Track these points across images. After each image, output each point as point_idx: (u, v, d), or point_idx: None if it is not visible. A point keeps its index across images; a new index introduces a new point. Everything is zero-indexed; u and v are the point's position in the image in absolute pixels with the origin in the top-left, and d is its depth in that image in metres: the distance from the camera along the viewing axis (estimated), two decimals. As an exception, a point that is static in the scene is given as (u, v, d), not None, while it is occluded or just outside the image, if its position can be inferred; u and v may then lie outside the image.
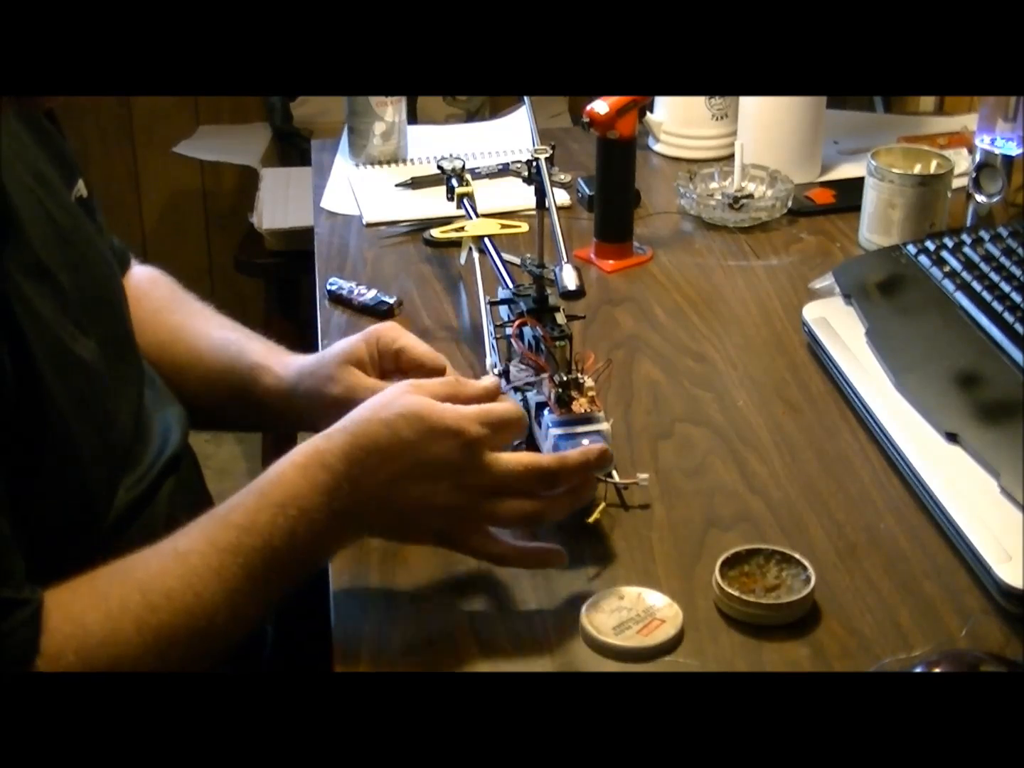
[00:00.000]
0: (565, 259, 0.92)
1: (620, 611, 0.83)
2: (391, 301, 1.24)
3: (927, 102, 2.00)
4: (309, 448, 0.83)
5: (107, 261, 1.03)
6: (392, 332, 1.00)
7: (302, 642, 1.11)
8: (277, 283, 2.43)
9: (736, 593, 0.84)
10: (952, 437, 0.97)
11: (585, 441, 0.88)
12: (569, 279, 0.91)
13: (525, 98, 1.15)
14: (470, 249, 1.22)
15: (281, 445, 0.97)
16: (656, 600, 0.84)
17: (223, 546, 0.81)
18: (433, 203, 1.40)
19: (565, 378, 0.92)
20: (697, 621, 0.84)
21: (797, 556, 0.87)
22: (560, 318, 0.97)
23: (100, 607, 0.79)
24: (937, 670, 0.74)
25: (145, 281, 1.17)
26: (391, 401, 0.84)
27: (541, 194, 0.98)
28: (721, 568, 0.86)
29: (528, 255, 0.99)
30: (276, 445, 2.25)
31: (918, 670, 0.75)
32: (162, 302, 1.15)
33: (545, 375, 0.93)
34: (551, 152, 0.99)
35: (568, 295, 0.91)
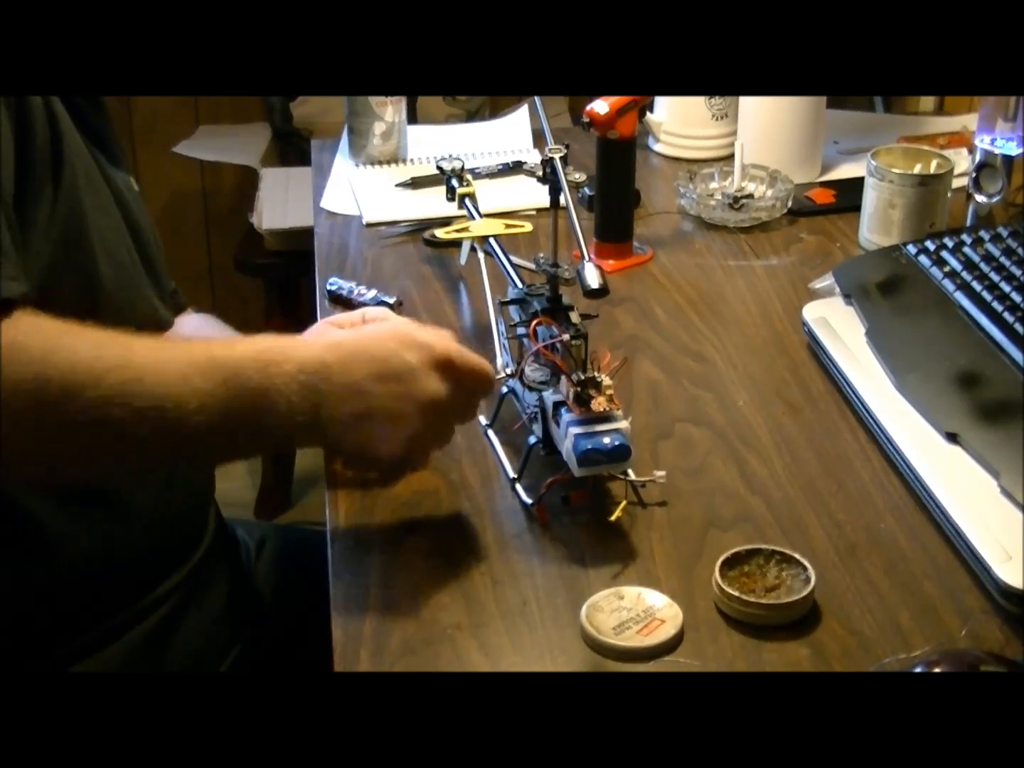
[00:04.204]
0: (587, 258, 0.92)
1: (620, 611, 0.83)
2: (391, 301, 1.24)
3: (927, 102, 2.00)
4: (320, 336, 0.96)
5: (150, 224, 1.16)
6: (444, 344, 0.94)
7: (302, 642, 1.11)
8: (277, 283, 2.42)
9: (736, 593, 0.84)
10: (952, 437, 0.97)
11: (606, 440, 0.89)
12: (592, 278, 0.91)
13: (536, 98, 1.15)
14: (471, 249, 1.22)
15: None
16: (656, 600, 0.84)
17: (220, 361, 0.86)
18: (433, 203, 1.40)
19: (583, 377, 0.92)
20: (697, 621, 0.84)
21: (797, 556, 0.87)
22: (575, 317, 0.97)
23: (90, 334, 0.85)
24: (937, 670, 0.74)
25: (195, 320, 1.24)
26: (390, 325, 0.96)
27: (556, 193, 0.98)
28: (721, 568, 0.86)
29: (541, 255, 0.99)
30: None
31: (918, 670, 0.75)
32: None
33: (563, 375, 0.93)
34: (566, 151, 0.99)
35: (592, 294, 0.91)
